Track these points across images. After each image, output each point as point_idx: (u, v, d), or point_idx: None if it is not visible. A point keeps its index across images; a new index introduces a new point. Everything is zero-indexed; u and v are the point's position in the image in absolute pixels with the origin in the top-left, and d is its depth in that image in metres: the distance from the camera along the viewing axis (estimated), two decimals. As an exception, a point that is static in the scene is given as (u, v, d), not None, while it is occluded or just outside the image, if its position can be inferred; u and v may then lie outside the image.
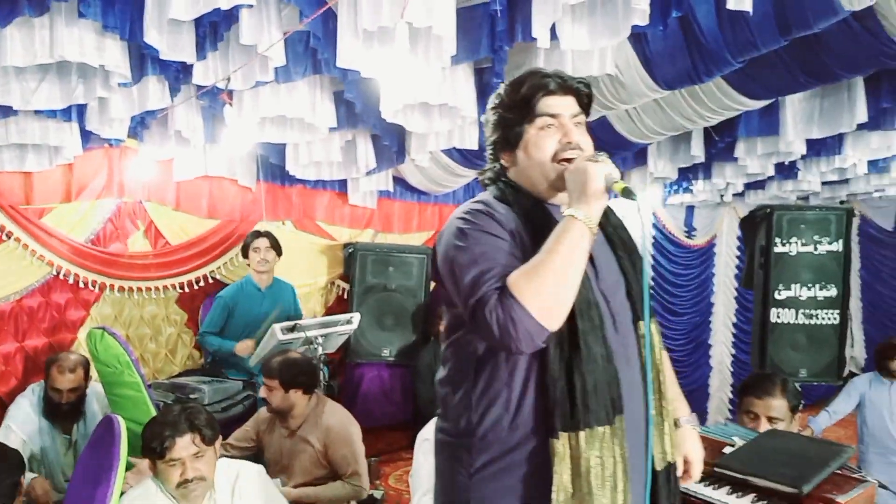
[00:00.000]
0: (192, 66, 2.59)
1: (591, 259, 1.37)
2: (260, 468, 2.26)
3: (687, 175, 4.99)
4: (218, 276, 4.01)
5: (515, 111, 1.42)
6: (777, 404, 2.22)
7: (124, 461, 1.66)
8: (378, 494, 3.04)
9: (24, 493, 2.07)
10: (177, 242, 3.91)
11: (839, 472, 1.60)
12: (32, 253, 3.38)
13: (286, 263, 4.24)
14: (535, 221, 1.39)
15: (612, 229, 1.50)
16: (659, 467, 1.40)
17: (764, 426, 2.16)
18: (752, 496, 1.53)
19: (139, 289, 3.75)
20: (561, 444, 1.27)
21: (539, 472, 1.29)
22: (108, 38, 2.27)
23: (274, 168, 4.11)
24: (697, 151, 4.10)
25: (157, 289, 3.82)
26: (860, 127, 3.47)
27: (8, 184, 3.33)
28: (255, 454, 2.95)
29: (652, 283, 6.75)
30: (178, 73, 2.69)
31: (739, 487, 1.57)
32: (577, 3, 2.15)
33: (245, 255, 3.90)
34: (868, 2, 2.24)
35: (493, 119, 1.49)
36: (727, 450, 1.77)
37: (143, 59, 2.52)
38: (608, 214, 1.47)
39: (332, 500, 2.77)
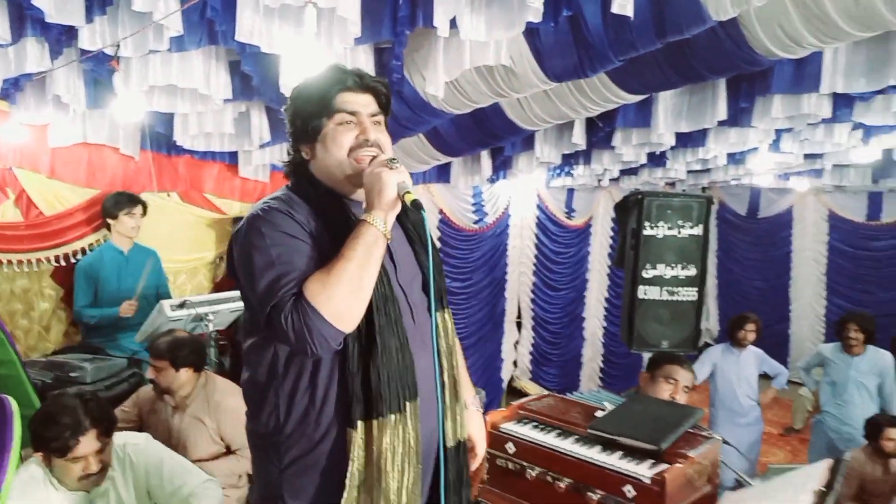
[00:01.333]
0: (76, 29, 2.46)
1: (391, 254, 1.46)
2: (146, 434, 2.23)
3: (569, 160, 5.28)
4: (96, 249, 3.80)
5: (314, 105, 1.46)
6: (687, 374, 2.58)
7: (18, 442, 1.61)
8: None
9: None
10: (51, 213, 3.66)
11: (691, 430, 1.85)
12: None
13: (171, 237, 4.10)
14: (332, 219, 1.43)
15: (410, 226, 1.57)
16: (450, 444, 1.51)
17: (680, 392, 2.49)
18: (619, 453, 1.74)
19: (9, 261, 3.49)
20: (357, 433, 1.36)
21: (341, 462, 1.36)
22: (-16, -4, 2.11)
23: (160, 137, 3.91)
24: (579, 139, 4.37)
25: (29, 262, 3.56)
26: (721, 123, 3.85)
27: None
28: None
29: (532, 260, 7.11)
30: (60, 36, 2.53)
31: (609, 446, 1.78)
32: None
33: (111, 216, 3.70)
34: (733, 14, 2.51)
35: (292, 109, 1.52)
36: (598, 413, 1.98)
37: (22, 19, 2.36)
38: (407, 212, 1.51)
39: (226, 475, 2.78)
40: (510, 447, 1.89)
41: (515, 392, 7.17)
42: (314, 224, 1.41)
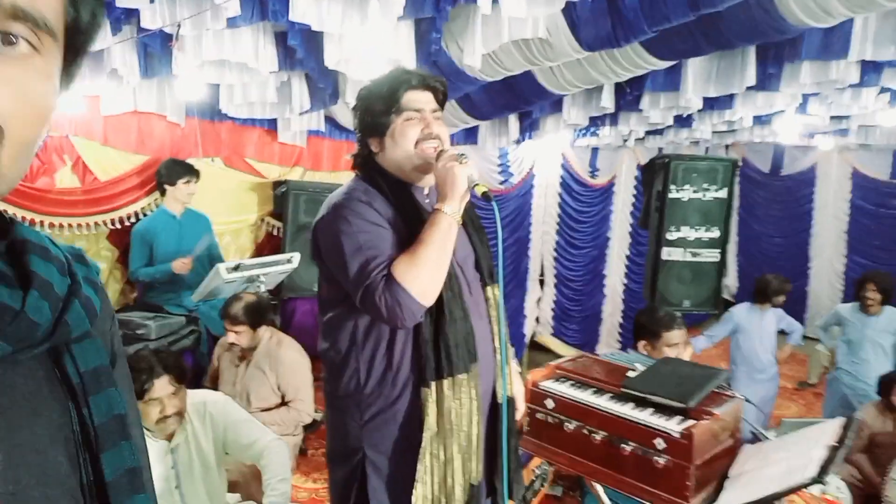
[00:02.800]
0: (136, 10, 2.60)
1: None
2: (226, 396, 2.48)
3: (596, 122, 5.36)
4: (148, 213, 4.00)
5: (383, 102, 1.63)
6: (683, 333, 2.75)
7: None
8: (319, 417, 3.34)
9: None
10: (106, 178, 3.86)
11: (716, 390, 2.04)
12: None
13: (216, 200, 4.29)
14: (405, 208, 1.62)
15: (464, 212, 1.74)
16: (501, 400, 1.74)
17: (684, 351, 2.67)
18: (651, 410, 1.93)
19: (69, 225, 3.71)
20: (430, 391, 1.57)
21: (415, 416, 1.59)
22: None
23: (203, 104, 4.08)
24: (608, 103, 4.44)
25: (87, 225, 3.78)
26: (748, 88, 3.92)
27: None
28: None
29: (556, 220, 7.23)
30: (120, 16, 2.68)
31: (641, 404, 1.96)
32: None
33: (170, 183, 3.88)
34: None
35: (362, 108, 1.69)
36: (630, 374, 2.17)
37: None
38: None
39: (279, 424, 3.05)
40: (549, 403, 2.09)
41: (537, 347, 7.40)
42: (388, 211, 1.60)
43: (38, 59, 0.52)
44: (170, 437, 2.27)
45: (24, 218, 3.51)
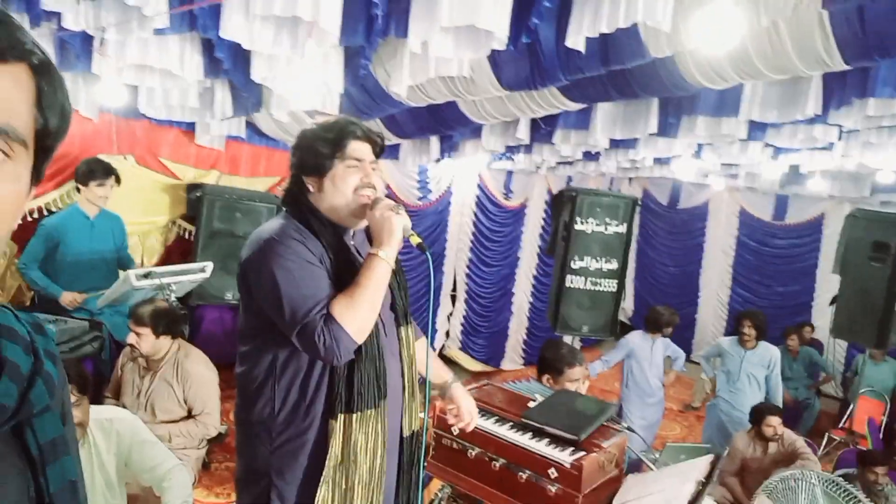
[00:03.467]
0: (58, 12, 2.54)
1: None
2: (134, 416, 2.44)
3: (512, 149, 5.59)
4: (53, 209, 3.83)
5: (329, 147, 1.73)
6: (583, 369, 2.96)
7: None
8: (223, 429, 3.32)
9: None
10: (7, 170, 3.66)
11: (605, 423, 2.24)
12: None
13: (127, 199, 4.15)
14: (335, 248, 1.71)
15: None
16: (405, 434, 1.87)
17: (583, 385, 2.86)
18: (546, 440, 2.10)
19: (-37, 218, 3.50)
20: (338, 423, 1.67)
21: (323, 447, 1.67)
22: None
23: (118, 101, 3.95)
24: (523, 135, 4.66)
25: (-18, 218, 3.58)
26: (651, 134, 4.24)
27: None
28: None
29: (470, 237, 7.41)
30: (40, 13, 2.60)
31: (538, 434, 2.13)
32: (450, 26, 2.49)
33: (83, 183, 3.72)
34: (669, 53, 2.85)
35: (305, 147, 1.77)
36: (531, 404, 2.33)
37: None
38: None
39: (185, 436, 3.02)
40: (455, 429, 2.21)
41: (445, 360, 7.49)
42: (319, 250, 1.68)
43: (9, 164, 0.59)
44: None
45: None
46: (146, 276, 3.30)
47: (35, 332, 0.67)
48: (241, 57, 3.14)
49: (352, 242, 1.80)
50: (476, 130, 4.94)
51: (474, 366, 7.63)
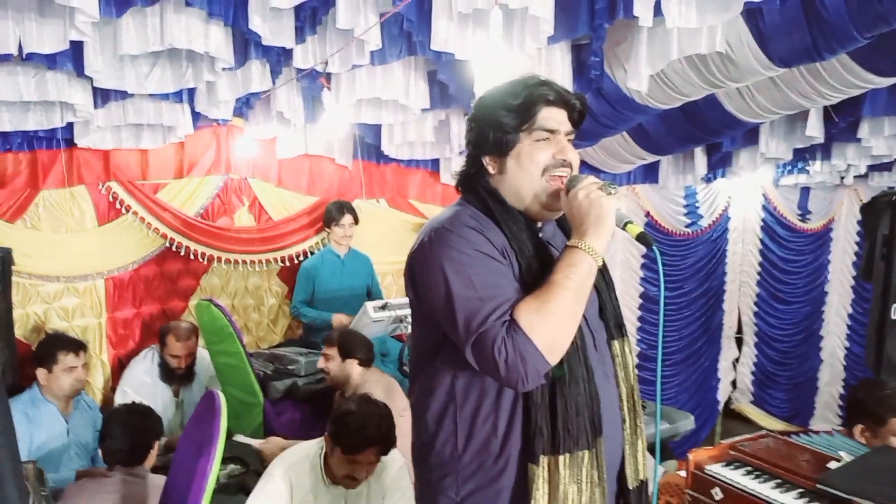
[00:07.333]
0: (291, 50, 2.66)
1: None
2: (401, 459, 2.37)
3: (803, 155, 4.66)
4: (316, 251, 4.13)
5: (514, 116, 1.34)
6: None
7: (224, 434, 1.78)
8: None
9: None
10: (279, 218, 4.06)
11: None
12: (148, 226, 3.61)
13: (379, 241, 4.33)
14: (523, 240, 1.32)
15: None
16: (631, 486, 1.37)
17: None
18: (856, 518, 1.43)
19: (244, 262, 3.94)
20: (540, 469, 1.24)
21: (522, 498, 1.26)
22: (213, 25, 2.35)
23: (370, 147, 4.18)
24: (815, 132, 3.82)
25: (260, 262, 3.99)
26: None
27: (126, 161, 3.56)
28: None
29: (756, 269, 6.43)
30: (278, 57, 2.77)
31: (842, 507, 1.47)
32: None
33: (328, 225, 4.02)
34: None
35: (484, 118, 1.39)
36: (832, 464, 1.65)
37: (246, 43, 2.61)
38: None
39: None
40: (717, 493, 1.67)
41: (732, 415, 6.55)
42: (502, 241, 1.32)
43: None
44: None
45: (203, 254, 3.77)
46: (383, 307, 3.32)
47: None
48: (465, 79, 3.01)
49: (540, 236, 1.41)
50: (750, 134, 4.19)
51: (773, 424, 6.46)
